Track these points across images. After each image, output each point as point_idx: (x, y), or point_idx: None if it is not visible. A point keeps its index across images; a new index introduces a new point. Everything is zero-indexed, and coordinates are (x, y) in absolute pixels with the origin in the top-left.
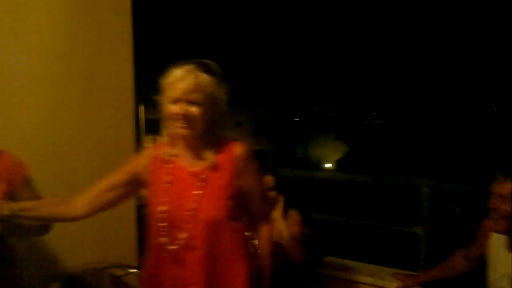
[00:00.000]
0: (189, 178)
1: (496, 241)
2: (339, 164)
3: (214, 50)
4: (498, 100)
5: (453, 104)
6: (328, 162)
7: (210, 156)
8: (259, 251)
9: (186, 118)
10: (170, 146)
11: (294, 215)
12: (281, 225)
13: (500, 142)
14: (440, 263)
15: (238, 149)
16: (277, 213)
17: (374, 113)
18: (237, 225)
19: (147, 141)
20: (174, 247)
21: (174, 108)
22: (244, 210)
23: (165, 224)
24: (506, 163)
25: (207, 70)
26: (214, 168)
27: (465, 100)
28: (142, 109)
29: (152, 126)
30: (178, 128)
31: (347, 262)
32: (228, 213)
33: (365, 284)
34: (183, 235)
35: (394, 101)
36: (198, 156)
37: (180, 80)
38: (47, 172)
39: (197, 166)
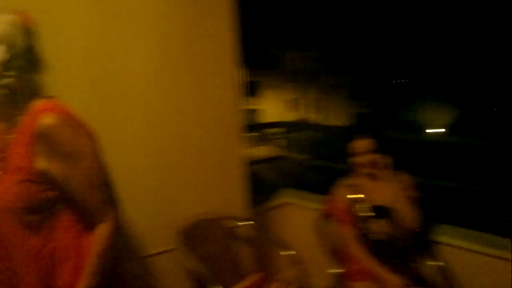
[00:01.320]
0: None
1: None
2: (450, 129)
3: (314, 17)
4: None
5: None
6: (436, 127)
7: (17, 122)
8: (90, 257)
9: None
10: None
11: (406, 178)
12: (393, 188)
13: None
14: None
15: (42, 121)
16: (386, 175)
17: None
18: (39, 220)
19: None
20: None
21: None
22: (65, 202)
23: None
24: None
25: None
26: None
27: None
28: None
29: (252, 88)
30: None
31: (462, 230)
32: (20, 203)
33: (483, 254)
34: None
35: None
36: None
37: None
38: (160, 139)
39: None
